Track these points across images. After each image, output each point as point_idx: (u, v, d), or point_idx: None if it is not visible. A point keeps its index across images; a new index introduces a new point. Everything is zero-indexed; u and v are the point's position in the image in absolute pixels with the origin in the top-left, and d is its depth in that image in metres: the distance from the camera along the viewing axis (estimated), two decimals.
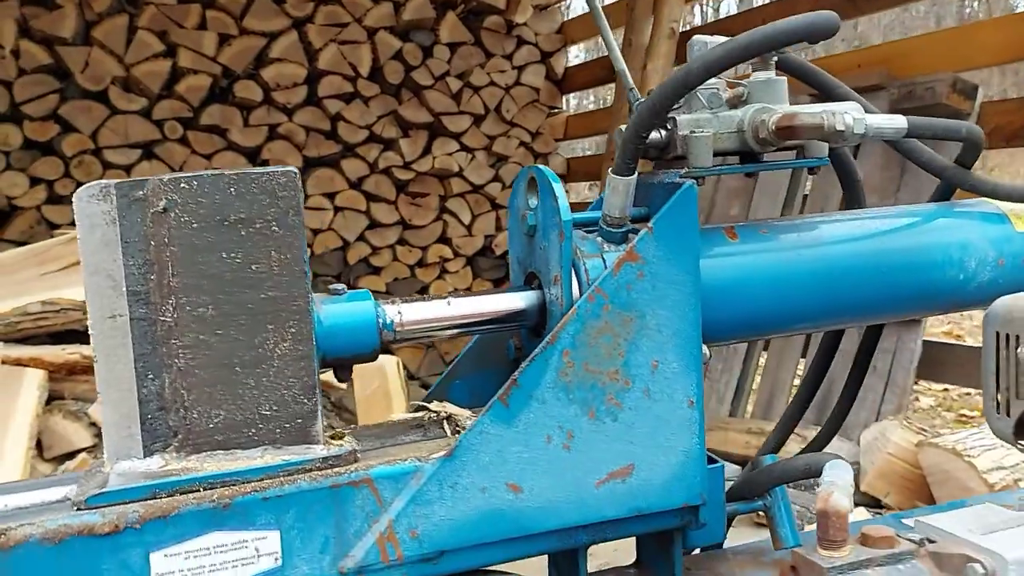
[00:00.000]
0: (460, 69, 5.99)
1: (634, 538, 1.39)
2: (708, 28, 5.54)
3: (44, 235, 4.99)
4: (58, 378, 2.88)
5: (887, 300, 1.35)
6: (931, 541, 1.07)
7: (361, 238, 5.89)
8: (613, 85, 5.47)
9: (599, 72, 6.10)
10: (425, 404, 1.30)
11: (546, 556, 1.36)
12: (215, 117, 5.41)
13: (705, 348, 1.22)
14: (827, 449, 3.07)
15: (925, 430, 2.69)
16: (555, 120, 6.52)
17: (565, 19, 6.60)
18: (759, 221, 1.35)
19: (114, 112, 5.25)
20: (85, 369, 2.89)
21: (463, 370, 1.37)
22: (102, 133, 5.23)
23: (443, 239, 6.16)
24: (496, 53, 6.13)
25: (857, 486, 2.81)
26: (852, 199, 1.55)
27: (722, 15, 15.07)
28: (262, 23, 5.44)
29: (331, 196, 5.73)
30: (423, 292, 6.15)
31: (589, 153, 10.80)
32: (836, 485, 1.07)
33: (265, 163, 5.56)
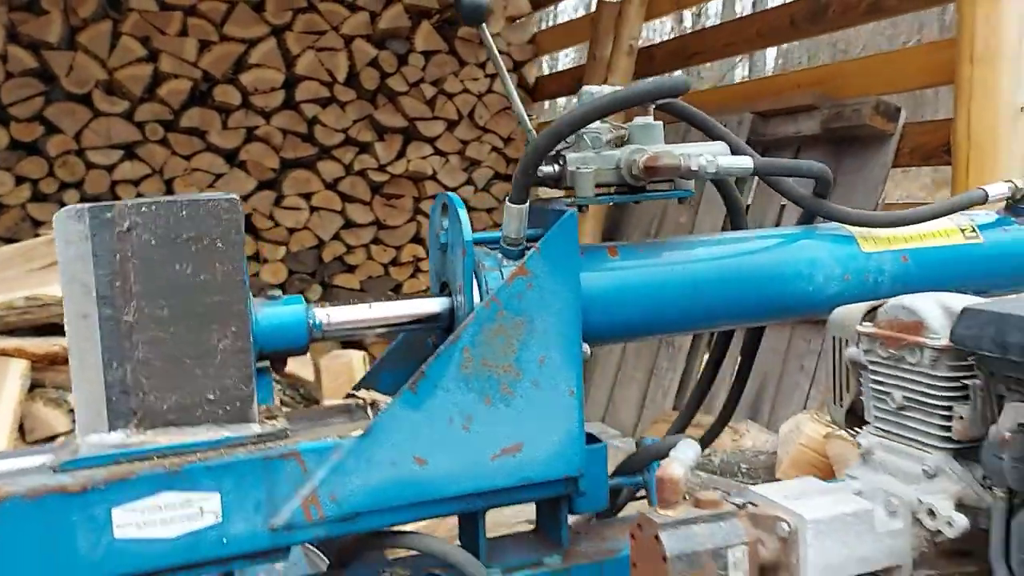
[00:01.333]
0: (434, 76, 6.19)
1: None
2: (673, 43, 5.74)
3: (28, 231, 5.16)
4: (40, 368, 3.07)
5: (745, 308, 1.58)
6: (754, 505, 1.30)
7: (336, 237, 6.09)
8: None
9: (569, 82, 6.32)
10: (354, 392, 1.53)
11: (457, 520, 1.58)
12: (195, 120, 5.59)
13: (586, 346, 1.44)
14: (751, 440, 3.31)
15: (833, 423, 2.93)
16: None
17: (537, 30, 6.82)
18: (640, 242, 1.57)
19: (97, 114, 5.42)
20: (65, 360, 3.07)
21: (389, 363, 1.59)
22: (85, 134, 5.39)
23: (416, 239, 6.36)
24: (469, 61, 6.34)
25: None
26: (735, 221, 1.78)
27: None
28: (242, 30, 5.62)
29: (307, 196, 5.92)
30: (396, 290, 6.35)
31: None
32: (676, 458, 1.29)
33: (243, 164, 5.75)
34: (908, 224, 1.64)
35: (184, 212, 1.23)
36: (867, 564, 1.27)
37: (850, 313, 1.47)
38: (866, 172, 3.62)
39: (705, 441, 2.00)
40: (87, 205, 1.22)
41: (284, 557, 1.34)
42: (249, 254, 5.75)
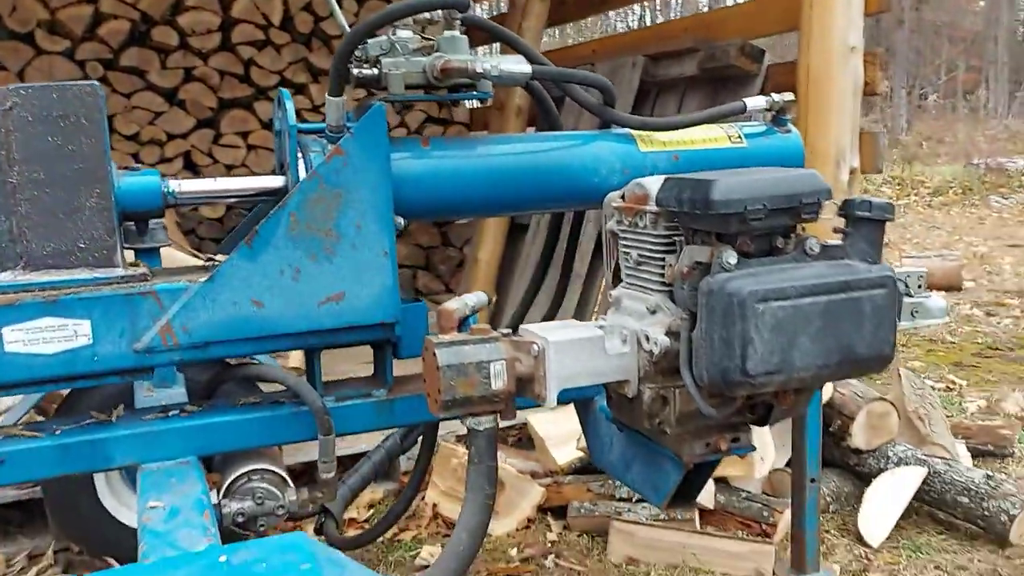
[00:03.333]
0: None
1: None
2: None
3: None
4: None
5: (540, 195, 1.91)
6: (519, 335, 1.64)
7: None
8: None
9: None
10: (213, 256, 1.83)
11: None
12: (134, 59, 5.75)
13: (399, 219, 1.76)
14: None
15: None
16: None
17: None
18: (451, 136, 1.89)
19: (40, 52, 5.55)
20: None
21: (244, 230, 1.90)
22: (28, 72, 5.53)
23: None
24: None
25: None
26: (550, 124, 2.10)
27: None
28: None
29: (244, 135, 6.13)
30: None
31: None
32: (456, 299, 1.63)
33: (182, 103, 5.94)
34: (675, 129, 1.97)
35: (55, 95, 1.52)
36: (599, 377, 1.63)
37: (613, 196, 1.80)
38: None
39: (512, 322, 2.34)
40: None
41: (149, 375, 1.66)
42: None
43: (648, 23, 24.40)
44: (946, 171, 18.88)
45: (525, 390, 1.60)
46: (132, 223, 1.70)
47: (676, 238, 1.60)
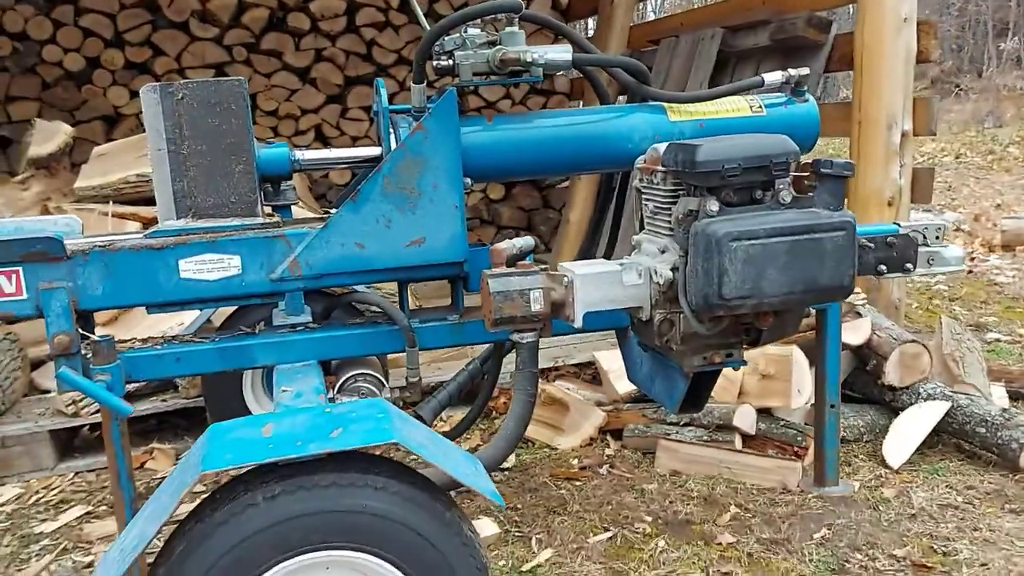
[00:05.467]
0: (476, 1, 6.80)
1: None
2: None
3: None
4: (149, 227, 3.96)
5: (585, 159, 2.28)
6: (555, 270, 2.04)
7: None
8: None
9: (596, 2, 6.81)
10: (328, 210, 2.32)
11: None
12: (272, 43, 6.39)
13: (467, 180, 2.18)
14: None
15: None
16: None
17: None
18: (511, 113, 2.29)
19: (193, 39, 6.27)
20: None
21: (350, 189, 2.37)
22: (184, 56, 6.26)
23: None
24: None
25: None
26: (602, 102, 2.46)
27: None
28: None
29: (368, 109, 6.69)
30: None
31: None
32: (507, 241, 2.05)
33: (313, 81, 6.55)
34: (700, 101, 2.29)
35: (213, 88, 2.02)
36: (617, 303, 2.01)
37: (638, 159, 2.16)
38: None
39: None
40: (158, 84, 2.02)
41: (282, 298, 2.16)
42: None
43: None
44: None
45: (559, 313, 2.00)
46: (268, 184, 2.20)
47: (680, 192, 1.95)
